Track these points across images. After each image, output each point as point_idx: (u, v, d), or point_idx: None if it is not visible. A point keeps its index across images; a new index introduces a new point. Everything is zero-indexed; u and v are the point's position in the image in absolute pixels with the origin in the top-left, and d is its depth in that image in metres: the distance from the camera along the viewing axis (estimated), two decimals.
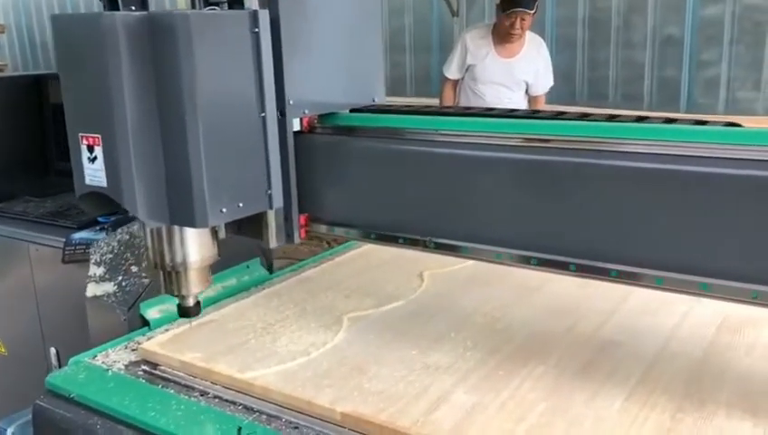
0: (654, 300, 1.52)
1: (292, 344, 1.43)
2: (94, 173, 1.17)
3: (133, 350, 1.49)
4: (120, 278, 1.46)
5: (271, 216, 1.29)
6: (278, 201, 1.27)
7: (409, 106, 1.94)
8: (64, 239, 2.15)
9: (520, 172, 1.17)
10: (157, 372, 1.39)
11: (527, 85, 3.97)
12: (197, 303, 1.35)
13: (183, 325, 1.54)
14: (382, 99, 1.44)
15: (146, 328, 1.54)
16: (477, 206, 1.21)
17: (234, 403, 1.27)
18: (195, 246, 1.25)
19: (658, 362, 1.31)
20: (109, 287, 1.46)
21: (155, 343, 1.46)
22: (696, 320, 1.46)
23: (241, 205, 1.21)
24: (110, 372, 1.39)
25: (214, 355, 1.38)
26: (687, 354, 1.33)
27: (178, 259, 1.25)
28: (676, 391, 1.20)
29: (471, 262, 1.59)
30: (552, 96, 4.27)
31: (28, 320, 2.36)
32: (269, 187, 1.25)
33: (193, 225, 1.17)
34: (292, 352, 1.39)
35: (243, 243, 1.33)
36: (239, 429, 1.18)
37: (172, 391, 1.32)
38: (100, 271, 1.45)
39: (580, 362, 1.32)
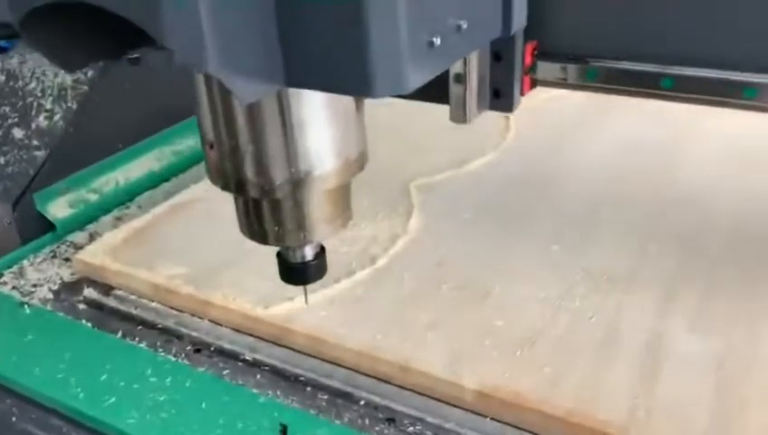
0: None
1: (339, 241, 0.84)
2: None
3: (67, 260, 0.89)
4: None
5: (472, 54, 0.59)
6: (521, 17, 0.52)
7: None
8: None
9: None
10: (110, 303, 0.80)
11: None
12: (320, 253, 0.60)
13: (147, 214, 0.94)
14: None
15: (52, 233, 0.92)
16: None
17: (259, 367, 0.70)
18: (328, 136, 0.51)
19: None
20: None
21: (103, 249, 0.86)
22: None
23: (464, 25, 0.46)
24: (26, 309, 0.80)
25: (209, 270, 0.79)
26: None
27: (287, 169, 0.51)
28: None
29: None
30: None
31: None
32: None
33: (368, 90, 0.40)
34: (345, 255, 0.81)
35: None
36: (283, 429, 0.62)
37: (143, 346, 0.73)
38: None
39: None
